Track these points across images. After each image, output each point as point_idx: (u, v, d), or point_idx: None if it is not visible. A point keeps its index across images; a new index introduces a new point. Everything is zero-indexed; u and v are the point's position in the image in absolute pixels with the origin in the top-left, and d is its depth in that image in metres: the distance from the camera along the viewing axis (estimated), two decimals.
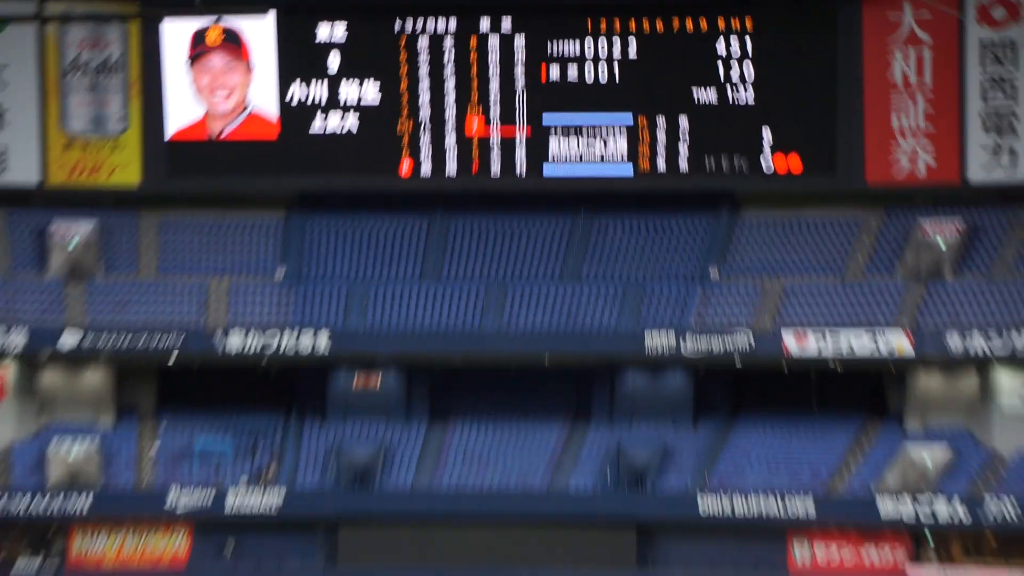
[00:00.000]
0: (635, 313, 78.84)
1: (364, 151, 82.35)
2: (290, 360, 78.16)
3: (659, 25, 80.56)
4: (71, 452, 76.85)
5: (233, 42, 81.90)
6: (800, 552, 75.45)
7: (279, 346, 77.38)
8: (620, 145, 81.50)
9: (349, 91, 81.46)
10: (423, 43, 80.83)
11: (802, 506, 74.18)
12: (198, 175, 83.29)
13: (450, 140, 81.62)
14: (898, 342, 75.30)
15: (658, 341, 76.70)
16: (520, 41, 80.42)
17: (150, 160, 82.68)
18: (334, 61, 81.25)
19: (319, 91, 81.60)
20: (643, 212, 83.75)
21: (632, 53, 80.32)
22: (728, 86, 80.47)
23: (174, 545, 77.08)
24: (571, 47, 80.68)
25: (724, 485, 75.51)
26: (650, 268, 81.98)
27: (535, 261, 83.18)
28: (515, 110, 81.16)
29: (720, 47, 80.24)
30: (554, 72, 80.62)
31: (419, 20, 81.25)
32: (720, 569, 74.79)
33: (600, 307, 79.69)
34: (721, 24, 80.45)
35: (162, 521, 76.18)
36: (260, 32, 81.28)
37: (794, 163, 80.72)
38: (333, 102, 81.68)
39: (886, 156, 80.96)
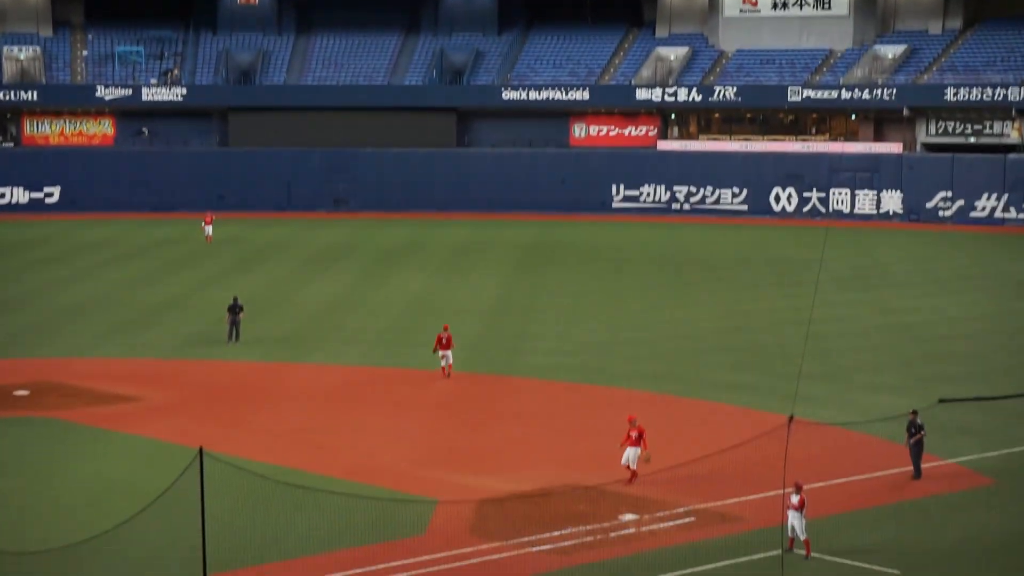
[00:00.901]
0: None
1: None
2: None
3: None
4: (20, 54, 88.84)
5: None
6: (578, 130, 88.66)
7: None
8: None
9: None
10: None
11: (579, 95, 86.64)
12: None
13: None
14: None
15: None
16: None
17: None
18: None
19: None
20: None
21: None
22: None
23: (103, 129, 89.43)
24: None
25: (521, 80, 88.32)
26: None
27: None
28: None
29: None
30: None
31: None
32: (519, 145, 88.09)
33: None
34: None
35: (92, 111, 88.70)
36: None
37: None
38: None
39: None
